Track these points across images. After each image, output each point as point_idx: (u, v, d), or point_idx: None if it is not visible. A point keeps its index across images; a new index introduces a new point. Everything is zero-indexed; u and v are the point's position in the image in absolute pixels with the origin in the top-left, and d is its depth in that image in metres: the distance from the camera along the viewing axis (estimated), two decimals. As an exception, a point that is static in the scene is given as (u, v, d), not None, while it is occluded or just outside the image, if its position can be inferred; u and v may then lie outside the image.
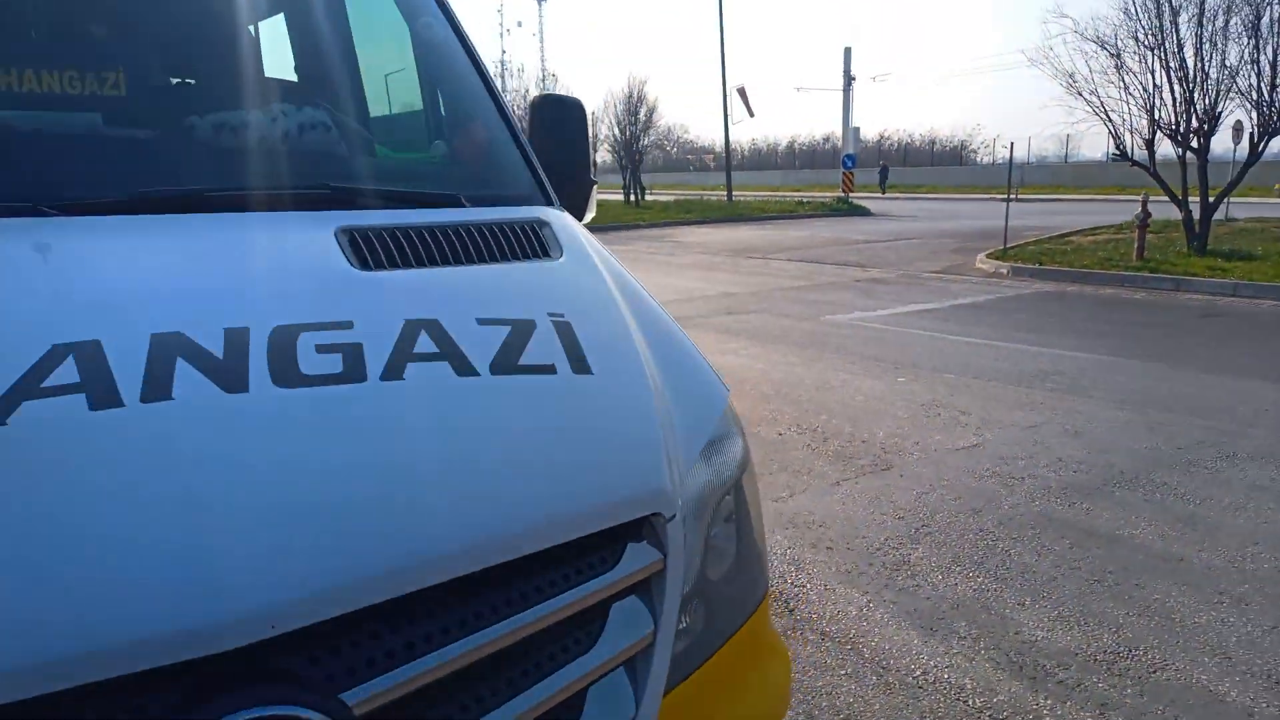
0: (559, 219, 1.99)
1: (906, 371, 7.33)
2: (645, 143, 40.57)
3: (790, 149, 79.50)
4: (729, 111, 37.72)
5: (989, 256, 15.30)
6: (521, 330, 1.48)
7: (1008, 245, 15.88)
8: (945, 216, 28.86)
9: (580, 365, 1.48)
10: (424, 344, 1.35)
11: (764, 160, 79.96)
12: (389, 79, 2.39)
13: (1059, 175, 49.77)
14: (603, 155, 42.47)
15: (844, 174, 34.71)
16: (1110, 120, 14.70)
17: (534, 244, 1.79)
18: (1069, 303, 11.40)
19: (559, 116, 2.42)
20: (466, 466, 1.26)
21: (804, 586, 3.57)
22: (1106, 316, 10.24)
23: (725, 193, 38.36)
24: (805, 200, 35.44)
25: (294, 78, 2.38)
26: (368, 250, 1.53)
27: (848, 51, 43.79)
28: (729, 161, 39.92)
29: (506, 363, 1.40)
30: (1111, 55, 14.46)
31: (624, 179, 37.66)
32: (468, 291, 1.55)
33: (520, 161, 2.15)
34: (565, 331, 1.53)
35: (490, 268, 1.65)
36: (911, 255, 17.19)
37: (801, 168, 70.57)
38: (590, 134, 2.52)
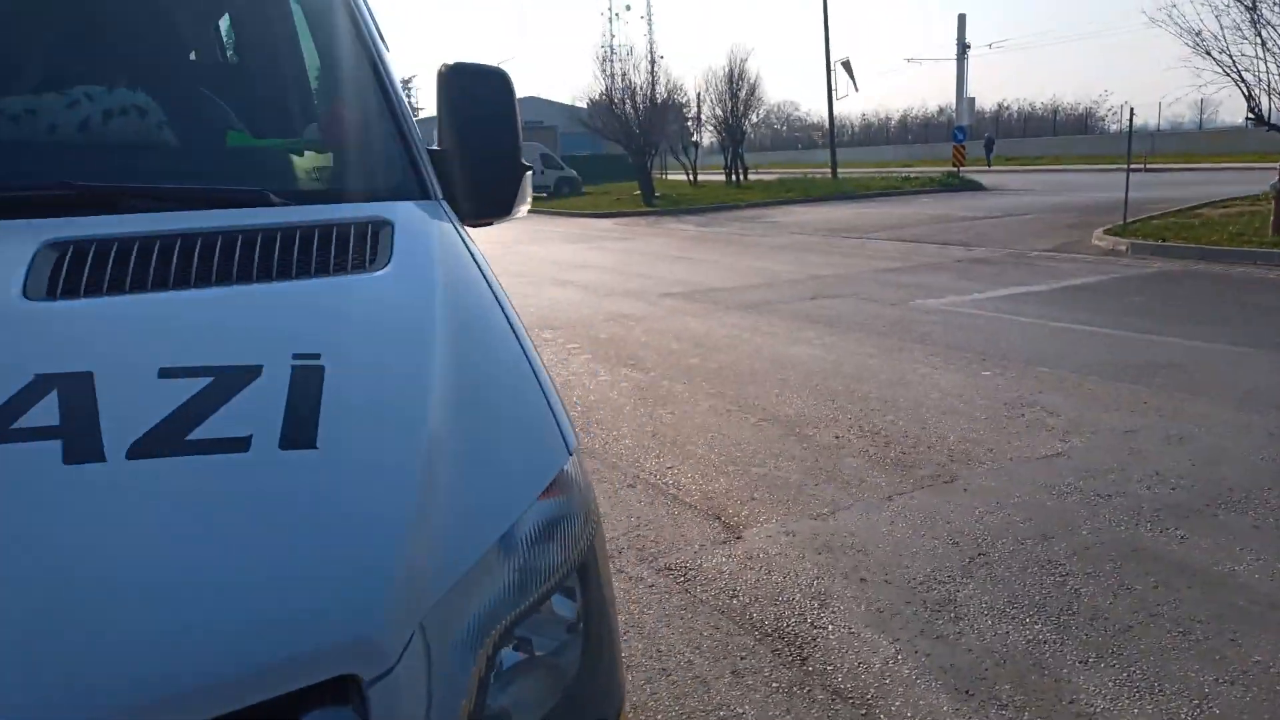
0: (414, 219, 1.59)
1: (994, 364, 6.64)
2: (748, 121, 39.67)
3: (902, 123, 76.79)
4: (833, 86, 36.50)
5: (1107, 232, 14.13)
6: (226, 384, 1.06)
7: (1128, 220, 14.63)
8: (1065, 189, 27.13)
9: (296, 437, 1.05)
10: (41, 412, 0.96)
11: (874, 136, 77.55)
12: (260, 55, 2.02)
13: (1192, 143, 46.36)
14: (708, 137, 41.79)
15: (955, 147, 33.07)
16: (1243, 81, 13.32)
17: (346, 253, 1.39)
18: (1192, 284, 10.32)
19: (476, 91, 2.01)
20: (21, 619, 0.84)
21: (824, 629, 3.08)
22: (1234, 299, 9.19)
23: (829, 170, 37.16)
24: (912, 176, 33.96)
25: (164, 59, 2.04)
26: (71, 271, 1.16)
27: (961, 18, 41.92)
28: (833, 138, 38.66)
29: (168, 437, 0.99)
30: (1246, 8, 13.07)
31: (725, 159, 36.87)
32: (171, 328, 1.16)
33: (393, 147, 1.76)
34: (303, 383, 1.11)
35: (236, 290, 1.25)
36: (1022, 232, 16.08)
37: (914, 142, 68.08)
38: (518, 111, 2.10)
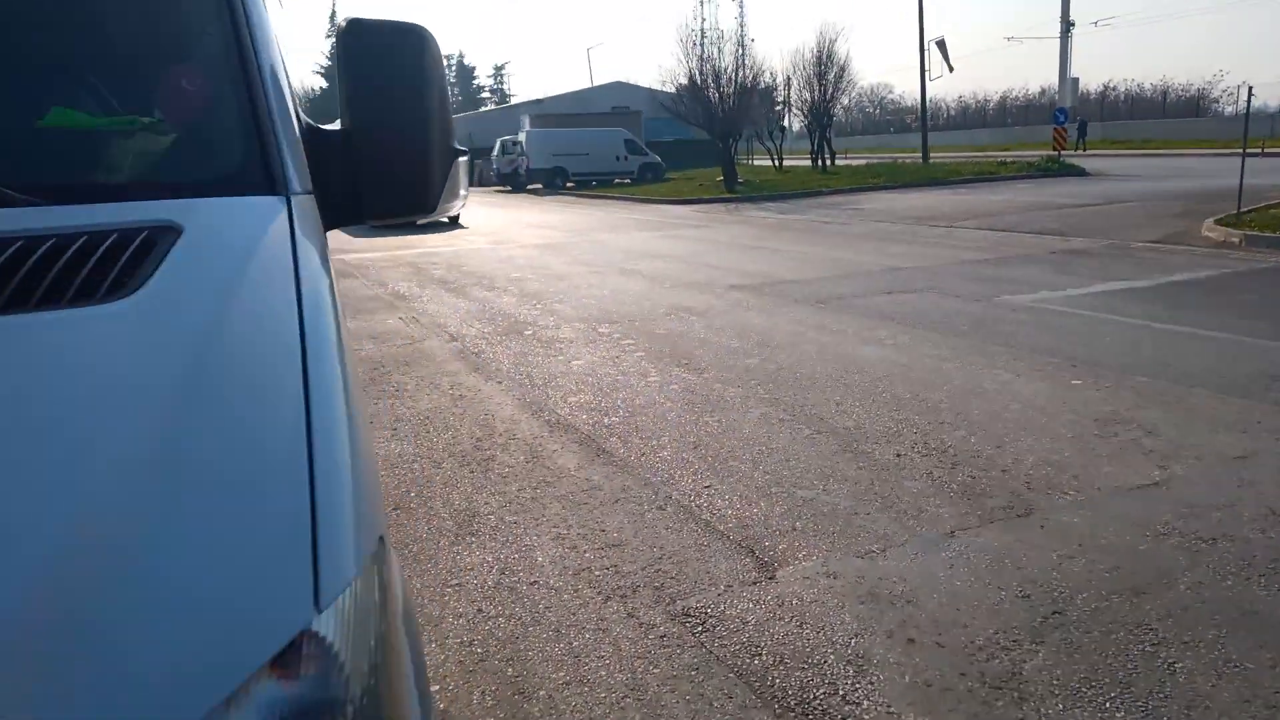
0: (223, 224, 1.19)
1: (1085, 371, 5.97)
2: (837, 105, 38.51)
3: (1001, 105, 73.84)
4: (926, 66, 35.14)
5: (1218, 223, 13.02)
6: None
7: (1242, 209, 13.46)
8: (1175, 175, 25.49)
9: None
10: None
11: (971, 118, 74.80)
12: (113, 19, 1.62)
13: (1322, 125, 43.22)
14: (796, 121, 40.72)
15: (1055, 130, 31.45)
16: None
17: (74, 278, 0.99)
18: (1318, 280, 9.33)
19: (386, 54, 1.60)
20: None
21: (856, 704, 2.60)
22: (1368, 299, 8.23)
23: (920, 154, 35.83)
24: (1009, 160, 32.44)
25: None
26: None
27: (1066, -6, 39.86)
28: (925, 120, 37.24)
29: None
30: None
31: (811, 144, 35.88)
32: None
33: (234, 128, 1.37)
34: None
35: None
36: (1125, 221, 15.00)
37: (1013, 125, 65.43)
38: (444, 81, 1.67)
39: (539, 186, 35.80)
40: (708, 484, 4.29)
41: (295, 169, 1.38)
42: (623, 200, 28.41)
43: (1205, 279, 9.53)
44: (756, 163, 42.11)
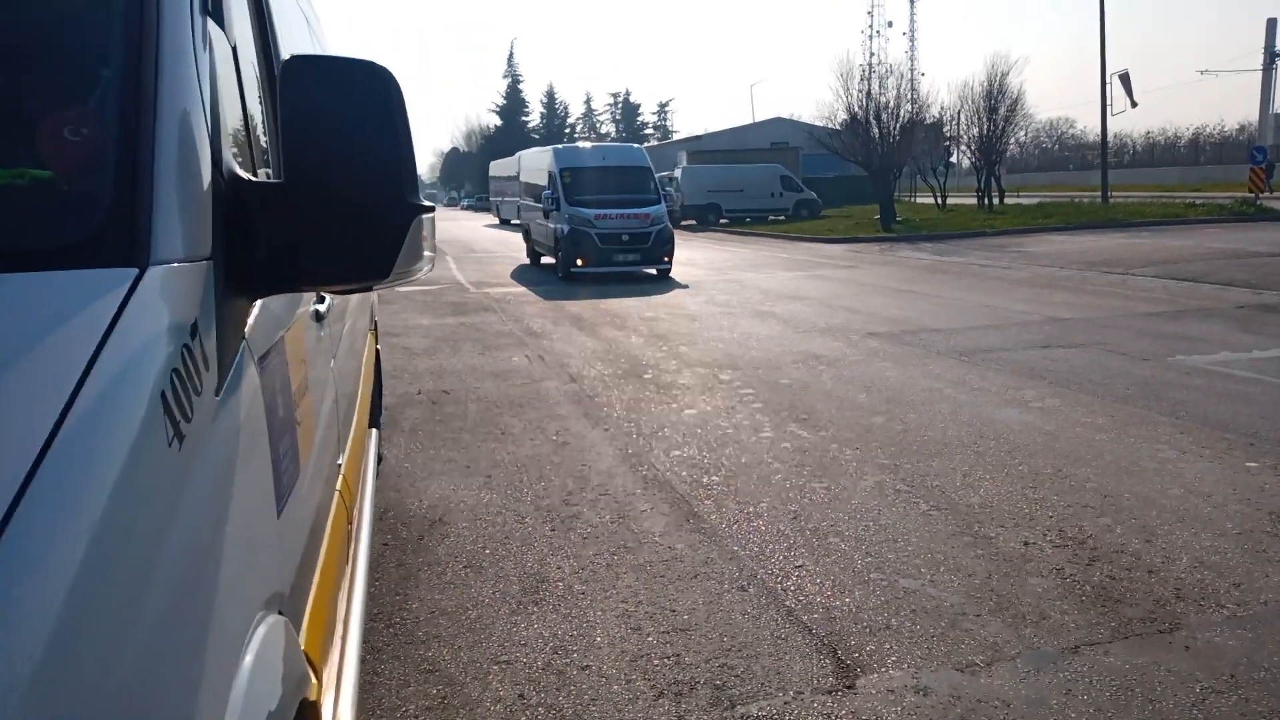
0: (37, 306, 1.00)
1: (1265, 452, 5.18)
2: (1009, 140, 36.74)
3: (1193, 142, 68.88)
4: (1108, 100, 33.07)
5: None
6: None
7: None
8: (1396, 221, 22.82)
9: None
10: None
11: (1159, 156, 70.10)
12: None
13: None
14: (965, 159, 39.13)
15: (1252, 171, 28.80)
16: None
17: None
18: None
19: (339, 100, 1.39)
20: None
21: None
22: None
23: (1100, 193, 33.66)
24: (1198, 202, 29.95)
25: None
26: None
27: (1271, 23, 36.89)
28: (1105, 157, 35.00)
29: None
30: None
31: (978, 181, 34.34)
32: None
33: (106, 178, 1.18)
34: None
35: None
36: (1330, 273, 13.42)
37: (1206, 164, 60.78)
38: (406, 126, 1.44)
39: (692, 222, 35.77)
40: (800, 563, 3.88)
41: (179, 232, 1.17)
42: (773, 238, 27.97)
43: None
44: (919, 200, 40.70)
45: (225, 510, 1.15)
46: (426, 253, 1.56)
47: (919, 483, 4.86)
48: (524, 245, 21.04)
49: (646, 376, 7.86)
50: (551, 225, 17.02)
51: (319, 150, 1.36)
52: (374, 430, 4.28)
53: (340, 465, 2.41)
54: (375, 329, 5.33)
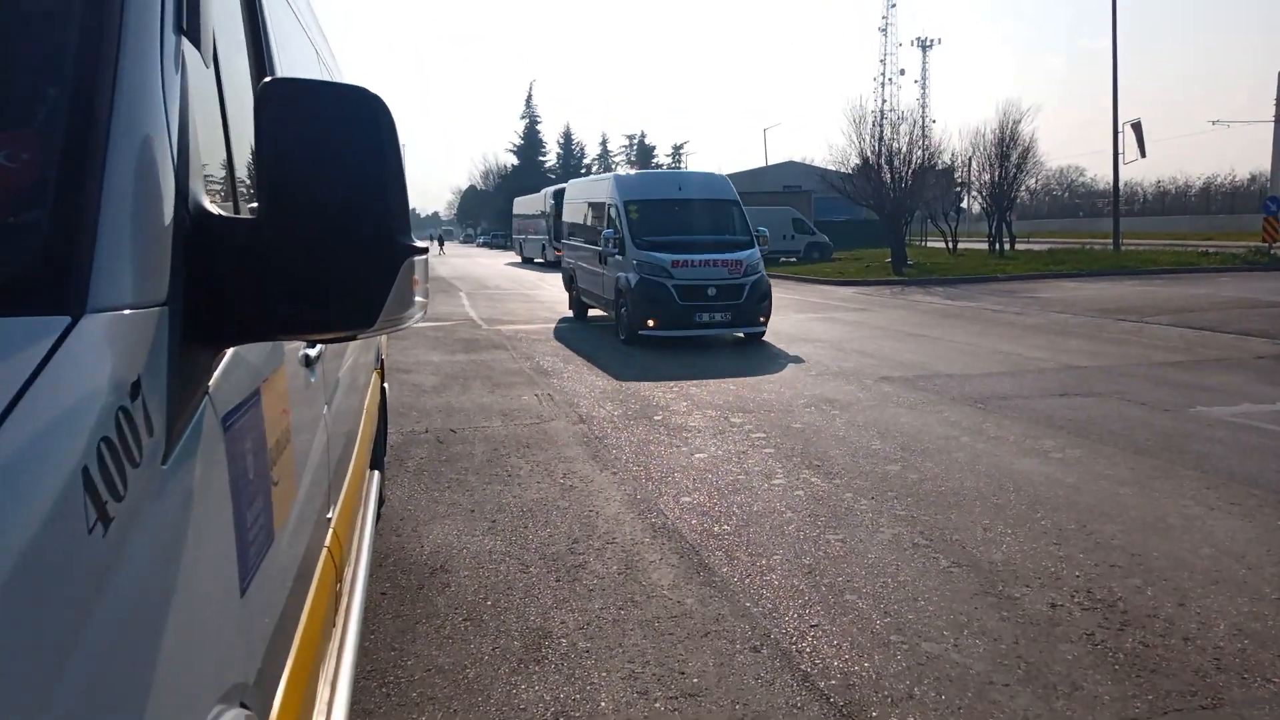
0: None
1: (1298, 511, 4.98)
2: (1020, 187, 36.83)
3: (1205, 192, 68.98)
4: (1120, 150, 33.09)
5: None
6: None
7: None
8: None
9: None
10: None
11: (1170, 205, 70.19)
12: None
13: None
14: (976, 204, 39.18)
15: (1265, 220, 28.68)
16: None
17: None
18: None
19: (322, 128, 1.25)
20: None
21: None
22: None
23: (1111, 240, 33.57)
24: (1210, 251, 29.81)
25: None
26: None
27: (1282, 75, 36.89)
28: (1116, 205, 34.93)
29: None
30: None
31: (989, 226, 34.32)
32: None
33: (42, 211, 1.04)
34: None
35: None
36: (1350, 325, 13.22)
37: (1217, 213, 60.80)
38: (399, 159, 1.30)
39: (704, 262, 35.75)
40: (815, 623, 3.70)
41: (128, 274, 1.03)
42: (783, 279, 27.88)
43: None
44: (930, 244, 40.70)
45: (168, 599, 0.99)
46: (418, 298, 1.42)
47: (938, 536, 4.67)
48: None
49: (657, 418, 7.70)
50: (610, 273, 13.39)
51: (299, 183, 1.23)
52: (376, 472, 4.13)
53: (330, 519, 2.25)
54: (381, 367, 5.19)
